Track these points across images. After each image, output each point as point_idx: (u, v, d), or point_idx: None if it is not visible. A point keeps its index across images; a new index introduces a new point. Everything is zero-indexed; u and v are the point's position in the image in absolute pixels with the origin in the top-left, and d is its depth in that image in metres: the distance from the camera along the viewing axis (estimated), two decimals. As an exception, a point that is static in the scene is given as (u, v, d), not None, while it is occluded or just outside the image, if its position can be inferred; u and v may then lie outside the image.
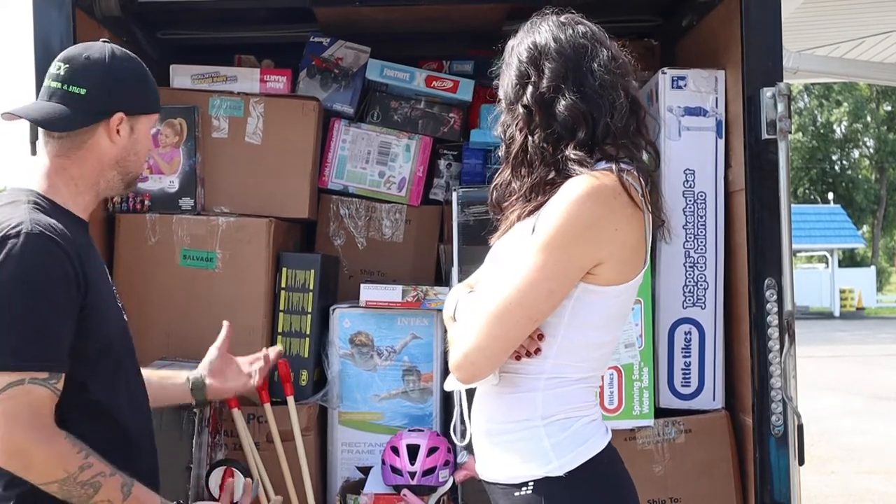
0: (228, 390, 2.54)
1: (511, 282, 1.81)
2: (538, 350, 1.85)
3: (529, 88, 1.89)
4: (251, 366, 2.65)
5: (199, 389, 2.45)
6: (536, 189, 1.89)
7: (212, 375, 2.51)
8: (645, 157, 1.91)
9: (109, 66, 1.98)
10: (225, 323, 2.53)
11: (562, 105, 1.85)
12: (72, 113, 1.94)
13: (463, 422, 2.12)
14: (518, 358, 1.87)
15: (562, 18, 1.93)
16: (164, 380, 2.44)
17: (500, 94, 1.99)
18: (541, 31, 1.92)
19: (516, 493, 1.82)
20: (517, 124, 1.92)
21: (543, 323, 1.83)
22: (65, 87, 1.96)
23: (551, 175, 1.87)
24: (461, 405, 2.13)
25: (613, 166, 1.81)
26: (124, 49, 2.07)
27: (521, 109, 1.90)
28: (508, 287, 1.81)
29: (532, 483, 1.80)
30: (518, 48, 1.95)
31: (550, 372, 1.85)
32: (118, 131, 1.99)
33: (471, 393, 2.02)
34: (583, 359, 1.86)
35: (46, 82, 1.99)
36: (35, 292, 1.81)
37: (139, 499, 1.91)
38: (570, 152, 1.84)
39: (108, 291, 2.02)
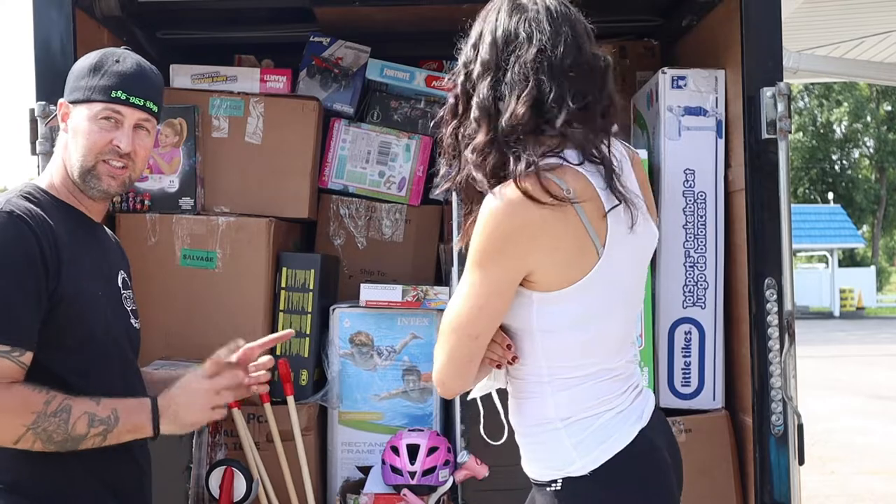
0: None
1: (452, 303, 1.83)
2: (515, 358, 1.84)
3: (461, 77, 1.83)
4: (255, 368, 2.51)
5: None
6: (459, 188, 1.89)
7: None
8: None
9: (78, 59, 2.05)
10: (242, 345, 2.32)
11: (475, 101, 1.78)
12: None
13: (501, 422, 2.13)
14: (500, 367, 1.88)
15: (518, 1, 1.81)
16: (163, 381, 2.40)
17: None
18: (489, 17, 1.83)
19: (547, 490, 1.84)
20: (447, 114, 1.86)
21: (516, 332, 1.83)
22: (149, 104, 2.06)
23: (465, 174, 1.83)
24: (495, 406, 2.13)
25: (523, 169, 1.71)
26: (116, 48, 2.08)
27: (451, 99, 1.84)
28: (449, 308, 1.83)
29: (560, 481, 1.82)
30: (470, 33, 1.87)
31: (549, 375, 1.84)
32: (64, 119, 2.03)
33: (503, 394, 2.03)
34: (578, 356, 1.82)
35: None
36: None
37: (112, 399, 1.88)
38: (469, 154, 1.79)
39: (97, 286, 2.00)
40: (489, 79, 1.76)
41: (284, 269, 3.22)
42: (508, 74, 1.74)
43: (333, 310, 3.26)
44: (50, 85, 2.75)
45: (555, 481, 1.83)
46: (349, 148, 3.57)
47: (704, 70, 3.05)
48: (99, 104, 1.98)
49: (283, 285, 3.21)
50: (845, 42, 7.92)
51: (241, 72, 3.43)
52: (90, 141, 1.98)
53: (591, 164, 1.75)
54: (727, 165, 3.04)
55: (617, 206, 1.75)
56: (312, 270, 3.23)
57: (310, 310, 3.22)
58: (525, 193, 1.69)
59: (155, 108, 2.05)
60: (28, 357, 1.83)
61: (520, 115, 1.71)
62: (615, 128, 1.82)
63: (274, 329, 3.21)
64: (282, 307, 3.21)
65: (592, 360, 1.83)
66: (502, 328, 1.84)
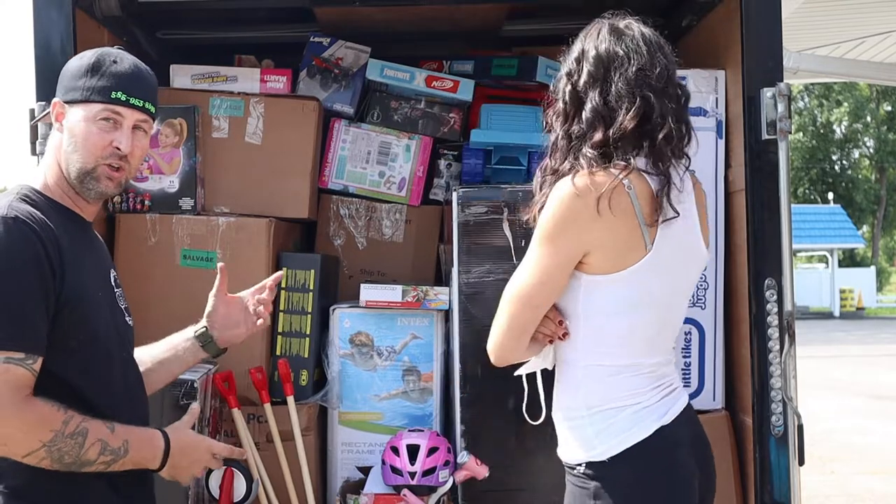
0: (238, 335, 2.40)
1: (516, 275, 2.07)
2: (566, 334, 2.07)
3: (569, 87, 2.08)
4: (255, 304, 2.47)
5: (210, 343, 2.36)
6: (557, 178, 2.06)
7: (216, 325, 2.40)
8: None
9: (72, 59, 2.05)
10: (219, 265, 2.40)
11: (588, 106, 2.04)
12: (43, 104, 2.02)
13: (541, 404, 2.34)
14: (551, 342, 2.10)
15: (619, 25, 2.10)
16: (170, 346, 2.36)
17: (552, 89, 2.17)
18: (590, 37, 2.11)
19: (573, 472, 2.05)
20: (556, 116, 2.12)
21: (564, 313, 2.06)
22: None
23: (568, 167, 2.05)
24: (537, 387, 2.33)
25: (612, 168, 1.99)
26: (110, 48, 2.08)
27: (560, 104, 2.10)
28: (513, 280, 2.08)
29: (584, 464, 2.02)
30: (571, 49, 2.14)
31: (586, 360, 2.05)
32: (59, 119, 2.01)
33: (547, 377, 2.22)
34: (614, 346, 2.03)
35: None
36: (7, 273, 1.81)
37: (126, 428, 1.91)
38: (587, 150, 2.02)
39: (97, 287, 2.01)
40: (598, 89, 2.03)
41: (285, 270, 3.22)
42: (614, 87, 2.01)
43: (333, 310, 3.26)
44: (50, 85, 2.73)
45: (580, 465, 2.03)
46: (349, 148, 3.57)
47: (704, 70, 3.05)
48: (98, 105, 1.98)
49: (283, 285, 3.21)
50: (845, 42, 7.93)
51: (241, 72, 3.43)
52: (90, 142, 1.97)
53: (657, 176, 2.01)
54: (727, 166, 3.04)
55: (670, 218, 1.99)
56: (312, 270, 3.23)
57: (310, 310, 3.22)
58: (592, 183, 1.95)
59: (153, 109, 2.05)
60: (39, 363, 1.84)
61: (627, 128, 1.99)
62: (692, 151, 2.11)
63: (274, 329, 3.21)
64: (282, 307, 3.21)
65: (625, 352, 2.02)
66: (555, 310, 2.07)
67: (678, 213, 2.00)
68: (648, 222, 1.98)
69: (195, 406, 2.22)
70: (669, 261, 2.02)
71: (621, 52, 2.04)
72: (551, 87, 2.17)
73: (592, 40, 2.09)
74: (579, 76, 2.07)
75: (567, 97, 2.08)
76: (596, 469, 2.00)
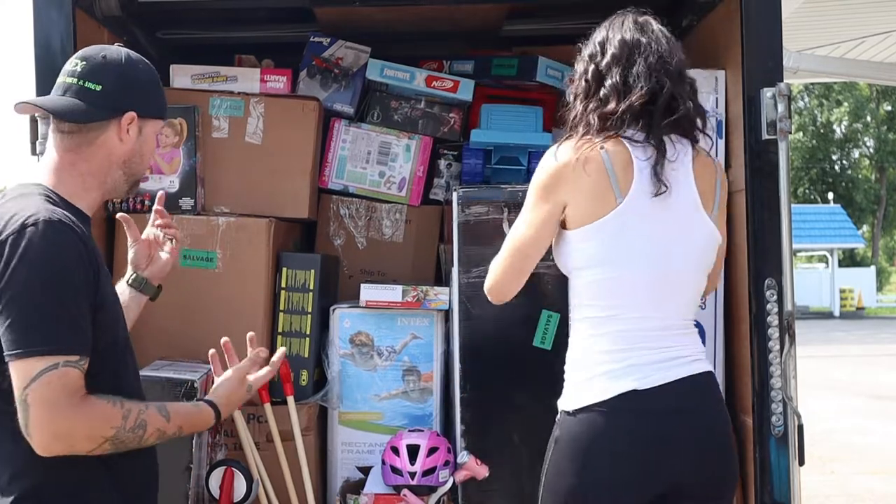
0: (165, 265, 2.48)
1: (515, 225, 2.35)
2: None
3: (592, 66, 2.29)
4: (164, 233, 2.54)
5: (145, 284, 2.44)
6: None
7: (141, 267, 2.46)
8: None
9: (125, 67, 2.03)
10: (119, 215, 2.48)
11: (608, 82, 2.25)
12: (86, 107, 1.97)
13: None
14: None
15: (640, 19, 2.34)
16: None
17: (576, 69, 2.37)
18: (614, 25, 2.32)
19: (557, 418, 2.27)
20: (577, 93, 2.33)
21: (564, 269, 2.31)
22: (80, 82, 1.99)
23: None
24: None
25: (596, 138, 2.23)
26: (138, 54, 2.10)
27: (581, 82, 2.32)
28: (512, 229, 2.35)
29: (561, 413, 2.25)
30: (594, 36, 2.35)
31: (574, 315, 2.30)
32: (128, 131, 2.02)
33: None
34: (592, 299, 2.23)
35: (61, 78, 2.03)
36: (59, 277, 1.83)
37: (179, 413, 2.03)
38: (592, 117, 2.25)
39: (113, 290, 2.04)
40: (620, 69, 2.24)
41: (284, 269, 3.22)
42: (635, 69, 2.23)
43: (333, 310, 3.26)
44: (50, 85, 2.74)
45: (559, 413, 2.26)
46: (349, 148, 3.57)
47: (704, 70, 3.04)
48: (161, 122, 2.13)
49: (283, 285, 3.21)
50: (845, 42, 7.93)
51: (241, 72, 3.43)
52: (153, 155, 2.16)
53: (646, 146, 2.21)
54: (727, 165, 3.03)
55: (662, 192, 2.18)
56: (312, 270, 3.23)
57: (310, 310, 3.22)
58: (572, 147, 2.22)
59: None
60: (87, 364, 1.86)
61: (635, 104, 2.21)
62: (706, 129, 2.36)
63: (274, 329, 3.20)
64: (282, 307, 3.21)
65: (607, 303, 2.20)
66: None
67: (668, 187, 2.19)
68: (621, 179, 2.18)
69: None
70: (651, 221, 2.19)
71: (644, 41, 2.27)
72: (569, 74, 2.42)
73: (618, 29, 2.30)
74: (603, 57, 2.27)
75: (589, 75, 2.29)
76: (563, 418, 2.23)
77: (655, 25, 2.33)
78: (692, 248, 2.27)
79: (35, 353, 1.79)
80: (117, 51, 2.05)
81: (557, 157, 2.23)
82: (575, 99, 2.32)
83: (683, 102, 2.27)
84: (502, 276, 2.35)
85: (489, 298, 2.41)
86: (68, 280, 1.83)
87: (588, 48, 2.34)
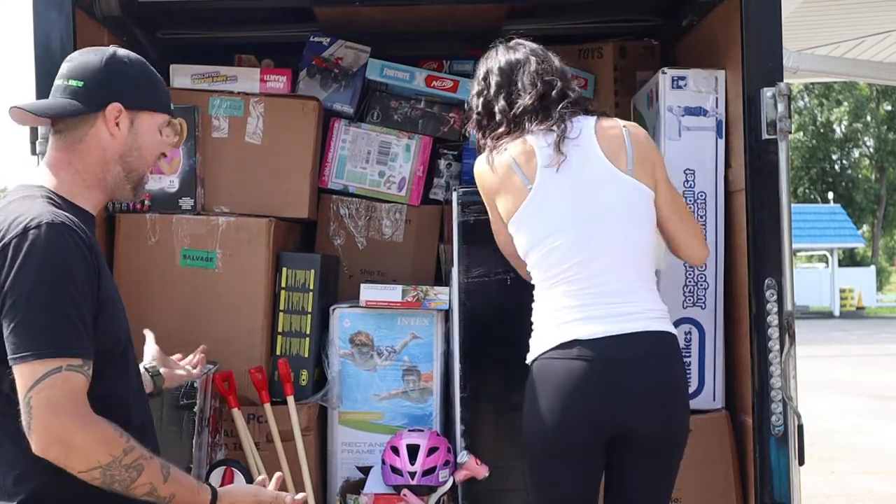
0: (179, 379, 2.47)
1: None
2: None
3: (481, 100, 2.60)
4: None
5: (158, 378, 2.39)
6: None
7: (162, 365, 2.45)
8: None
9: (108, 62, 2.01)
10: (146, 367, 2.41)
11: (497, 109, 2.56)
12: (68, 103, 1.97)
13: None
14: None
15: (510, 43, 2.63)
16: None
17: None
18: (489, 58, 2.63)
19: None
20: (475, 127, 2.66)
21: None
22: (66, 81, 1.99)
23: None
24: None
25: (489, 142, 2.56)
26: (131, 52, 2.08)
27: (475, 116, 2.64)
28: None
29: (527, 365, 2.51)
30: (476, 74, 2.66)
31: (535, 291, 2.53)
32: (117, 124, 1.99)
33: None
34: (542, 269, 2.48)
35: (54, 83, 2.03)
36: (62, 280, 1.81)
37: (179, 481, 1.90)
38: (488, 140, 2.58)
39: (114, 288, 2.03)
40: (503, 94, 2.54)
41: (284, 269, 3.22)
42: (520, 83, 2.52)
43: (333, 310, 3.26)
44: (50, 85, 2.74)
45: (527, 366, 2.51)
46: (349, 148, 3.57)
47: (704, 70, 3.05)
48: (162, 115, 2.06)
49: (283, 285, 3.21)
50: (845, 42, 7.92)
51: (241, 72, 3.43)
52: (155, 151, 2.06)
53: (544, 132, 2.47)
54: (727, 165, 3.04)
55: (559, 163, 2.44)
56: (312, 270, 3.23)
57: (310, 310, 3.22)
58: (483, 158, 2.57)
59: None
60: (91, 369, 1.84)
61: (528, 106, 2.49)
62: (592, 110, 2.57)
63: (274, 329, 3.20)
64: (282, 307, 3.21)
65: (550, 273, 2.45)
66: None
67: (565, 156, 2.43)
68: (527, 171, 2.46)
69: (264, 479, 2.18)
70: (566, 192, 2.44)
71: (520, 58, 2.57)
72: (465, 107, 2.72)
73: (493, 59, 2.61)
74: (489, 89, 2.57)
75: (481, 109, 2.60)
76: (526, 370, 2.50)
77: (526, 42, 2.61)
78: (610, 205, 2.44)
79: (39, 356, 1.78)
80: (106, 49, 2.04)
81: (475, 169, 2.59)
82: (476, 130, 2.64)
83: (573, 90, 2.56)
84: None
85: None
86: (71, 284, 1.82)
87: (475, 87, 2.63)
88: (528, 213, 2.47)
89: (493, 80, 2.56)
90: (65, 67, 2.02)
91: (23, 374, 1.78)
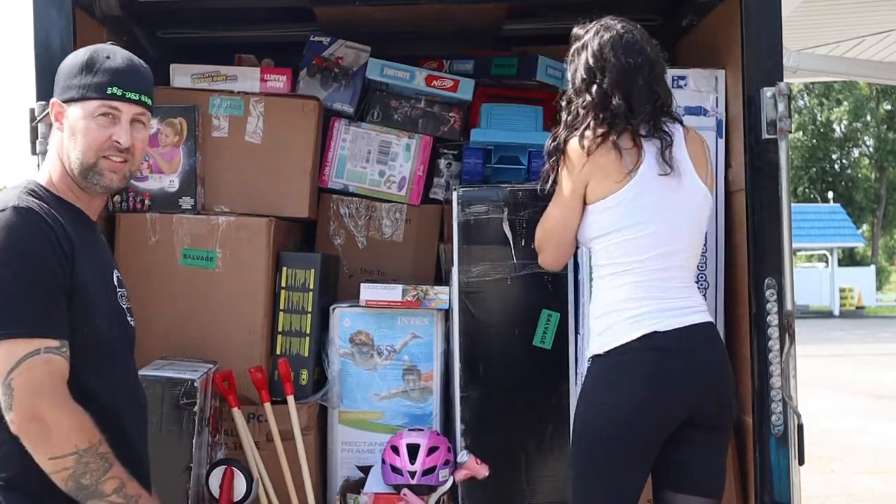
0: None
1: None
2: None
3: (595, 87, 2.56)
4: None
5: None
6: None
7: None
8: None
9: (65, 58, 2.06)
10: None
11: (613, 104, 2.55)
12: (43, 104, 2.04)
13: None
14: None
15: (628, 42, 2.59)
16: None
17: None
18: (605, 47, 2.58)
19: (587, 364, 2.61)
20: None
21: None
22: None
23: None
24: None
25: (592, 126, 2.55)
26: (93, 46, 2.07)
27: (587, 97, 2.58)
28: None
29: (591, 357, 2.56)
30: (587, 51, 2.60)
31: (599, 275, 2.58)
32: (59, 119, 2.02)
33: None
34: (613, 256, 2.53)
35: None
36: (32, 262, 1.83)
37: (139, 487, 1.90)
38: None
39: (100, 283, 2.02)
40: (619, 94, 2.52)
41: (284, 269, 3.22)
42: (636, 90, 2.53)
43: (333, 309, 3.26)
44: (50, 85, 2.74)
45: (590, 358, 2.57)
46: (349, 147, 3.56)
47: (704, 70, 3.05)
48: (95, 101, 1.98)
49: (283, 285, 3.21)
50: (845, 41, 7.92)
51: (241, 71, 3.43)
52: (89, 138, 1.98)
53: (650, 137, 2.54)
54: (727, 165, 3.04)
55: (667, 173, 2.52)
56: (312, 270, 3.23)
57: (310, 309, 3.22)
58: (589, 137, 2.55)
59: (150, 102, 2.05)
60: (68, 351, 1.85)
61: (646, 116, 2.54)
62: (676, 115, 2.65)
63: (274, 328, 3.20)
64: (282, 307, 3.21)
65: (624, 261, 2.51)
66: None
67: (672, 168, 2.51)
68: (631, 162, 2.50)
69: None
70: (660, 188, 2.50)
71: (641, 62, 2.56)
72: (570, 75, 2.65)
73: (614, 55, 2.55)
74: (603, 81, 2.54)
75: (596, 97, 2.55)
76: (592, 362, 2.54)
77: (644, 40, 2.59)
78: (690, 208, 2.56)
79: (12, 335, 1.79)
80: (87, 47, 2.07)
81: (575, 143, 2.55)
82: (580, 106, 2.59)
83: (672, 100, 2.63)
84: (542, 249, 2.73)
85: (547, 265, 2.73)
86: (42, 265, 1.83)
87: (584, 67, 2.58)
88: (623, 198, 2.51)
89: (611, 75, 2.54)
90: None
91: None
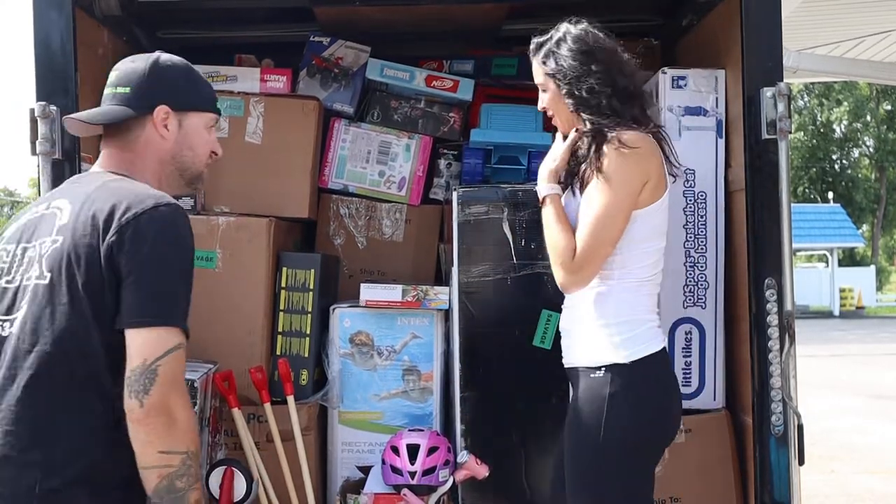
0: None
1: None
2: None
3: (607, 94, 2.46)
4: None
5: None
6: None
7: None
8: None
9: (153, 66, 2.10)
10: None
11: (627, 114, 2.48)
12: (117, 109, 2.05)
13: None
14: None
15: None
16: None
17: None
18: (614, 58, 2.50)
19: (592, 373, 2.40)
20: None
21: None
22: (114, 89, 2.09)
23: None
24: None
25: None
26: (175, 56, 2.16)
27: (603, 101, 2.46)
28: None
29: (607, 366, 2.38)
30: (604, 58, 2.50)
31: (621, 277, 2.42)
32: (166, 126, 2.07)
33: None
34: (645, 264, 2.42)
35: (104, 92, 2.12)
36: (190, 260, 1.93)
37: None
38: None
39: None
40: (637, 106, 2.48)
41: (284, 269, 3.22)
42: (650, 102, 2.66)
43: (333, 309, 3.26)
44: (50, 85, 2.75)
45: (602, 367, 2.38)
46: (349, 147, 3.57)
47: (704, 70, 3.05)
48: (210, 114, 2.15)
49: (283, 285, 3.21)
50: (845, 41, 7.92)
51: (241, 71, 3.43)
52: (207, 148, 2.14)
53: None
54: (727, 165, 3.04)
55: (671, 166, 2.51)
56: (312, 270, 3.23)
57: (310, 309, 3.22)
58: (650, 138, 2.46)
59: None
60: None
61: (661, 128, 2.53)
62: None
63: (274, 328, 3.20)
64: (282, 307, 3.21)
65: (646, 273, 2.43)
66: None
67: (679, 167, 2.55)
68: (668, 169, 2.47)
69: None
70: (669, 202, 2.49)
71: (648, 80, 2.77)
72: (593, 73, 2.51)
73: (623, 66, 2.49)
74: (616, 85, 2.44)
75: (604, 103, 2.46)
76: (617, 370, 2.36)
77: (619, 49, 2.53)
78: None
79: (170, 323, 1.85)
80: (149, 55, 2.13)
81: (645, 142, 2.41)
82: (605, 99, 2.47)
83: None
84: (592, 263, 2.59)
85: (571, 283, 2.49)
86: (192, 263, 1.93)
87: (605, 67, 2.45)
88: (663, 206, 2.45)
89: (623, 81, 2.45)
90: (112, 76, 2.10)
91: (147, 340, 1.82)
